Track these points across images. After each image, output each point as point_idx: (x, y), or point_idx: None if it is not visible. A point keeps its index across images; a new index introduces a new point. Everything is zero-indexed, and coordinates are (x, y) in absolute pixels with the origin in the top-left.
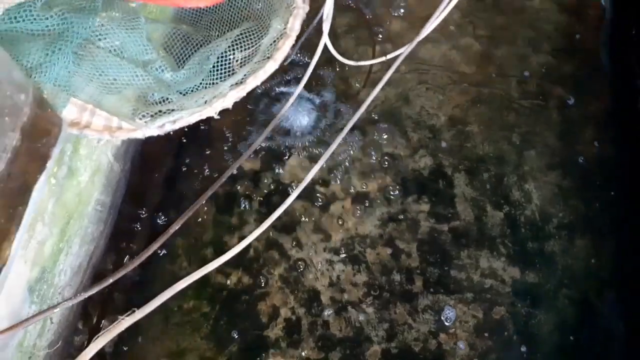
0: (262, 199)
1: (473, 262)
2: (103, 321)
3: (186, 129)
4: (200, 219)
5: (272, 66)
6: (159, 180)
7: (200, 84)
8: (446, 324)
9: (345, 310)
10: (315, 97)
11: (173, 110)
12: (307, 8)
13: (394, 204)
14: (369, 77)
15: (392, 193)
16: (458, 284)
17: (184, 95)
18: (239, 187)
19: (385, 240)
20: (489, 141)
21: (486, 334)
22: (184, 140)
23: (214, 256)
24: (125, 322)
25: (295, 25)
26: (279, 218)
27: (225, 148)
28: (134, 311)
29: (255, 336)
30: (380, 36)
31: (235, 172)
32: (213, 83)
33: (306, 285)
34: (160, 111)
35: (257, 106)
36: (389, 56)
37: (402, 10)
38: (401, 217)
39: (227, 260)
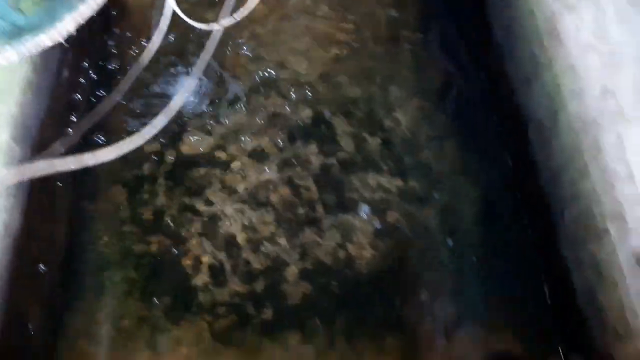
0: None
1: (363, 183)
2: None
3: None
4: (114, 203)
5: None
6: None
7: None
8: (364, 217)
9: (261, 245)
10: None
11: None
12: None
13: (286, 151)
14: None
15: (282, 143)
16: (354, 202)
17: None
18: (144, 168)
19: (285, 182)
20: (357, 86)
21: (385, 236)
22: None
23: (135, 229)
24: None
25: None
26: (189, 186)
27: None
28: None
29: (183, 287)
30: None
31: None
32: None
33: (222, 234)
34: None
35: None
36: (238, 17)
37: None
38: (294, 160)
39: (148, 229)
